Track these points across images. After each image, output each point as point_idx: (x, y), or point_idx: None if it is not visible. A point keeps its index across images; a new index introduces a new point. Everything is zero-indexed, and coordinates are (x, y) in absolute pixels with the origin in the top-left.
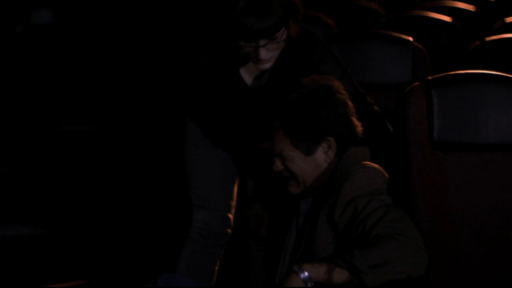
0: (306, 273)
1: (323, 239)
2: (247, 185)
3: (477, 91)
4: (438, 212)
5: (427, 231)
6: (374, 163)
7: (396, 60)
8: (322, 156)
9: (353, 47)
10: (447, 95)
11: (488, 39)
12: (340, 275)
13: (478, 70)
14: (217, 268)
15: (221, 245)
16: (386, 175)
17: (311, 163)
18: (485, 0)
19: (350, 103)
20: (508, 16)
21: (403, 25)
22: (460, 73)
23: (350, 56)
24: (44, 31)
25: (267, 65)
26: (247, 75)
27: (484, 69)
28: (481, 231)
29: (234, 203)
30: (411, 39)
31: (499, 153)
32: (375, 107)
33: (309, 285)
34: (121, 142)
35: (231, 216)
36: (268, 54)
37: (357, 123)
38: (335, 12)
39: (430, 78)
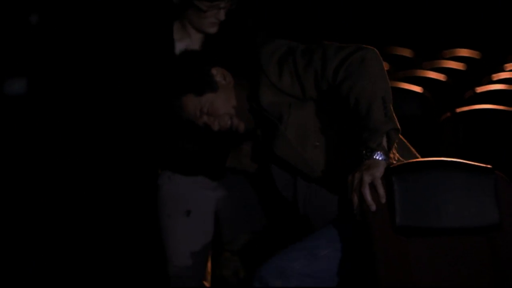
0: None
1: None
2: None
3: (436, 178)
4: None
5: None
6: None
7: None
8: (224, 83)
9: None
10: (407, 181)
11: (458, 110)
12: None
13: (449, 141)
14: None
15: None
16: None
17: (223, 93)
18: (455, 70)
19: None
20: (479, 85)
21: None
22: (419, 161)
23: None
24: (18, 100)
25: (215, 29)
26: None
27: (455, 140)
28: None
29: (208, 269)
30: None
31: (460, 237)
32: None
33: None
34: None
35: (206, 283)
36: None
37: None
38: None
39: (390, 165)
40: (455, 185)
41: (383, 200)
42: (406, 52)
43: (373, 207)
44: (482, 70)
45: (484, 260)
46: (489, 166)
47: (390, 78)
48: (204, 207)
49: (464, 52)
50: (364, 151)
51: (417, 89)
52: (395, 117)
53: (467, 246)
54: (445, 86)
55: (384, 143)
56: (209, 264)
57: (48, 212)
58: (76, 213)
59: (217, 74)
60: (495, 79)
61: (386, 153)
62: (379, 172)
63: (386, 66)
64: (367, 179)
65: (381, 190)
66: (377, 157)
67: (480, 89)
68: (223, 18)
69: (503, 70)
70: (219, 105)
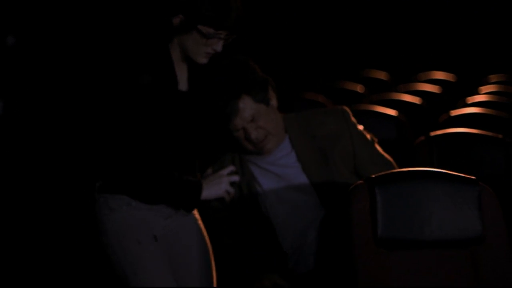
0: None
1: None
2: None
3: (419, 189)
4: None
5: None
6: None
7: None
8: (275, 101)
9: None
10: (390, 193)
11: (433, 134)
12: None
13: (423, 165)
14: None
15: None
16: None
17: (271, 112)
18: (431, 93)
19: None
20: (454, 108)
21: None
22: (403, 171)
23: None
24: None
25: (206, 60)
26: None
27: (430, 164)
28: None
29: None
30: None
31: (442, 250)
32: None
33: None
34: None
35: None
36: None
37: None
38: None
39: (373, 176)
40: (439, 196)
41: None
42: (382, 75)
43: None
44: (457, 93)
45: (466, 274)
46: (473, 177)
47: (365, 101)
48: (162, 232)
49: (439, 75)
50: None
51: (392, 112)
52: None
53: (449, 260)
54: (420, 110)
55: None
56: None
57: (27, 233)
58: (57, 235)
59: (271, 92)
60: (469, 102)
61: None
62: None
63: (361, 89)
64: None
65: None
66: None
67: (455, 113)
68: (220, 50)
69: (478, 93)
70: (266, 119)
